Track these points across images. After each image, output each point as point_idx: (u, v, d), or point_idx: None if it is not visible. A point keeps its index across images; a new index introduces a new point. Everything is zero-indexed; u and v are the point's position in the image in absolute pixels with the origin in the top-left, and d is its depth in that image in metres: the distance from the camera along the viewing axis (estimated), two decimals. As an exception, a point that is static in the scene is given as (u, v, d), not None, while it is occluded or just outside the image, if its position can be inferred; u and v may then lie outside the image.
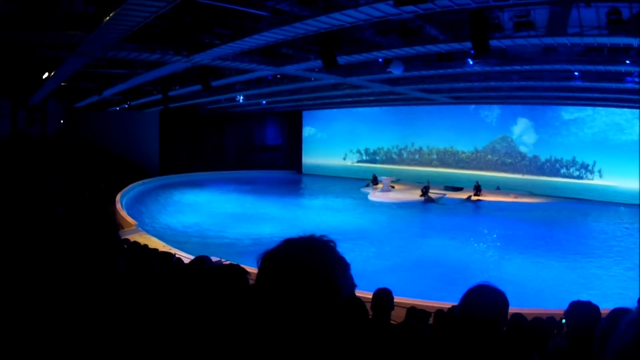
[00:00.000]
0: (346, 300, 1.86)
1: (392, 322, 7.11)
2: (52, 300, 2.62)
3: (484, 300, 3.07)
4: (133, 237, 20.87)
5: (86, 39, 19.69)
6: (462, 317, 3.07)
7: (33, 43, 20.91)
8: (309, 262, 1.80)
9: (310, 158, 64.88)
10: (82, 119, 51.86)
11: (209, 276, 3.41)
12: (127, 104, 45.61)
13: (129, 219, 28.11)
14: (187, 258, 15.98)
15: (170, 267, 9.11)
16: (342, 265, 1.87)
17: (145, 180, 46.79)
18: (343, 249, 1.91)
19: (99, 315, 2.57)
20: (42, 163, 37.66)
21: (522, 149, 48.62)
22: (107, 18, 16.90)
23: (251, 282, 2.35)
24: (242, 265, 3.74)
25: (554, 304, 13.78)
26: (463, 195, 43.56)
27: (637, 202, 37.85)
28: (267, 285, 1.82)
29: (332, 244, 1.90)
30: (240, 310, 3.08)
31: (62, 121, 50.31)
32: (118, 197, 35.10)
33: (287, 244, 1.89)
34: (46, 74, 29.24)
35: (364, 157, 60.77)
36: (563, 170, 45.93)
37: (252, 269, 2.03)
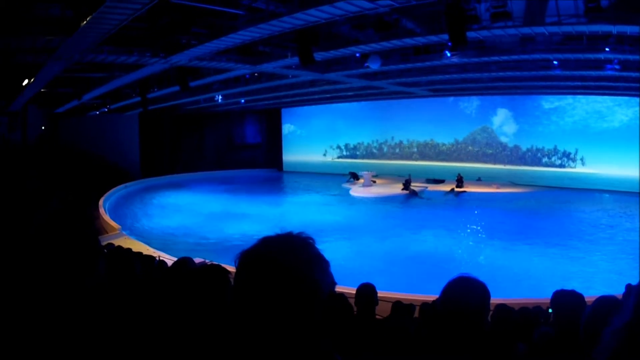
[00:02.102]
0: (326, 298, 1.82)
1: (377, 316, 7.10)
2: (28, 304, 2.58)
3: (464, 292, 3.05)
4: (117, 242, 20.79)
5: (64, 43, 19.58)
6: (444, 310, 3.05)
7: (11, 49, 20.77)
8: (287, 260, 1.77)
9: (291, 155, 64.64)
10: (63, 124, 51.58)
11: (190, 277, 3.36)
12: (106, 108, 45.27)
13: (113, 223, 28.01)
14: (171, 260, 15.92)
15: (152, 270, 9.06)
16: (321, 263, 1.84)
17: (127, 184, 46.62)
18: (326, 245, 1.88)
19: (76, 319, 2.52)
20: (24, 169, 37.43)
21: (503, 139, 48.83)
22: (85, 22, 16.81)
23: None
24: (224, 265, 3.70)
25: (542, 293, 13.80)
26: (445, 188, 43.65)
27: (620, 189, 38.21)
28: (246, 285, 1.79)
29: (310, 240, 1.87)
30: (221, 311, 3.04)
31: (43, 127, 50.05)
32: (101, 202, 34.95)
33: (265, 242, 1.86)
34: (26, 81, 29.03)
35: (345, 153, 60.74)
36: (545, 160, 46.21)
37: (234, 269, 1.99)
